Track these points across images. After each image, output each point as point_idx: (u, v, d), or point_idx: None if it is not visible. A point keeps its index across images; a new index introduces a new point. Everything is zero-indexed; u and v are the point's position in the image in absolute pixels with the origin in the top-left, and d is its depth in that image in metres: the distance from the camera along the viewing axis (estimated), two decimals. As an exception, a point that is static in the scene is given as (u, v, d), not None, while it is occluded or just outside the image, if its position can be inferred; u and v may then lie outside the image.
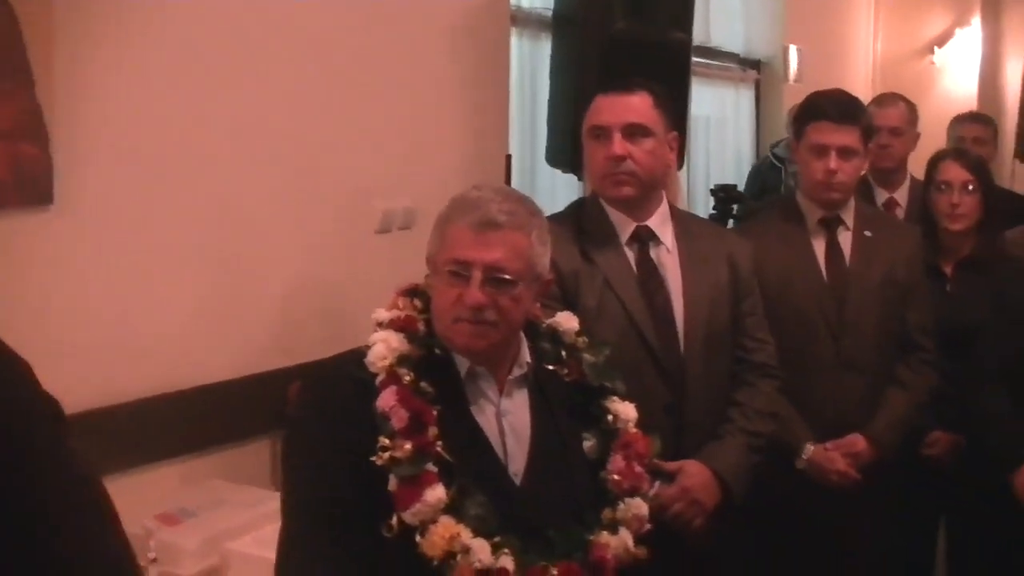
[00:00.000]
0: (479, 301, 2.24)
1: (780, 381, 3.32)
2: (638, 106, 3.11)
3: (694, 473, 3.08)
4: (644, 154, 3.08)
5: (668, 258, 3.18)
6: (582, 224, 3.20)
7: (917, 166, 4.96)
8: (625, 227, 3.17)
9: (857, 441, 3.63)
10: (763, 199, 5.81)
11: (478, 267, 2.25)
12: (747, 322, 3.28)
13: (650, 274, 3.16)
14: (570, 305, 2.97)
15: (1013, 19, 8.99)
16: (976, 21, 8.88)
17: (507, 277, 2.26)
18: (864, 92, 7.49)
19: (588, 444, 2.48)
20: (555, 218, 3.26)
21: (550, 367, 2.50)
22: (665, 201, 3.25)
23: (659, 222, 3.20)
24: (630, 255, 3.16)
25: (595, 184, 3.22)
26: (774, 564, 3.60)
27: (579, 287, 3.08)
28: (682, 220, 3.30)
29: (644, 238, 3.17)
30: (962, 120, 5.90)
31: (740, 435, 3.17)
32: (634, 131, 3.08)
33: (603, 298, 3.08)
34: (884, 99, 5.16)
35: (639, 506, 2.44)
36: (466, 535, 2.13)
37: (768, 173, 5.88)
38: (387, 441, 2.15)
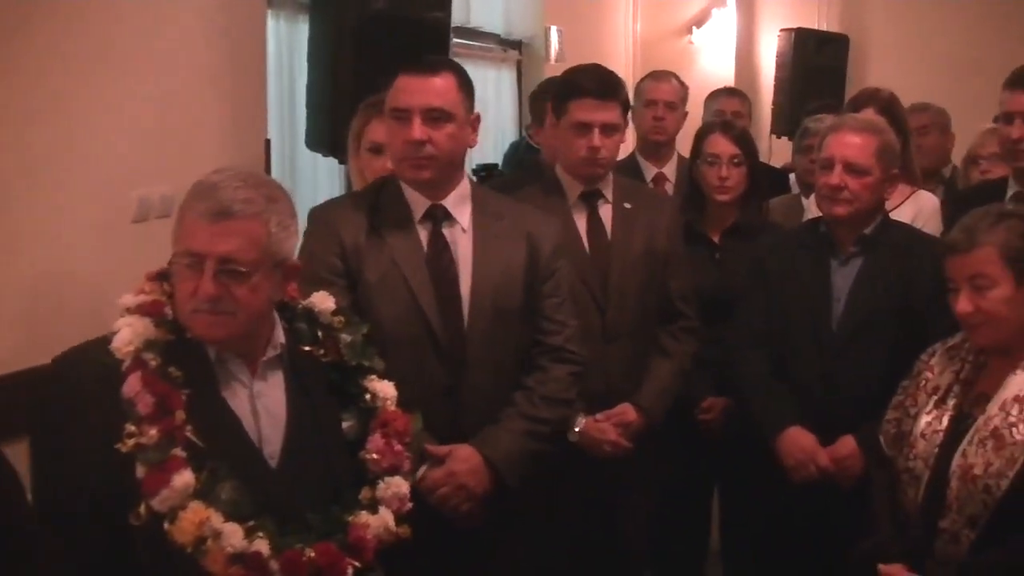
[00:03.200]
0: (210, 294, 2.21)
1: (578, 365, 3.31)
2: (440, 89, 3.07)
3: (463, 458, 3.05)
4: (444, 138, 3.06)
5: (462, 237, 3.17)
6: (377, 202, 3.17)
7: (679, 144, 5.11)
8: (419, 205, 3.15)
9: (627, 411, 3.69)
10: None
11: (211, 259, 2.21)
12: (545, 303, 3.27)
13: (440, 252, 3.14)
14: (354, 280, 2.99)
15: (767, 1, 9.29)
16: (732, 2, 9.12)
17: (241, 269, 2.23)
18: (625, 72, 7.64)
19: (347, 424, 2.48)
20: (353, 195, 3.34)
21: (306, 348, 2.48)
22: (465, 180, 3.24)
23: (456, 201, 3.18)
24: (422, 233, 3.14)
25: (394, 166, 3.18)
26: (552, 539, 3.62)
27: (363, 262, 3.06)
28: (483, 199, 3.28)
29: (438, 217, 3.15)
30: (719, 95, 6.09)
31: (520, 421, 3.15)
32: (435, 115, 3.04)
33: (387, 273, 3.06)
34: (659, 75, 5.32)
35: (399, 485, 2.44)
36: (217, 520, 2.10)
37: (525, 154, 5.95)
38: (132, 428, 2.11)
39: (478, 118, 3.21)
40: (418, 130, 3.03)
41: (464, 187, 3.22)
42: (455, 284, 3.13)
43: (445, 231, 3.16)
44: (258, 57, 4.45)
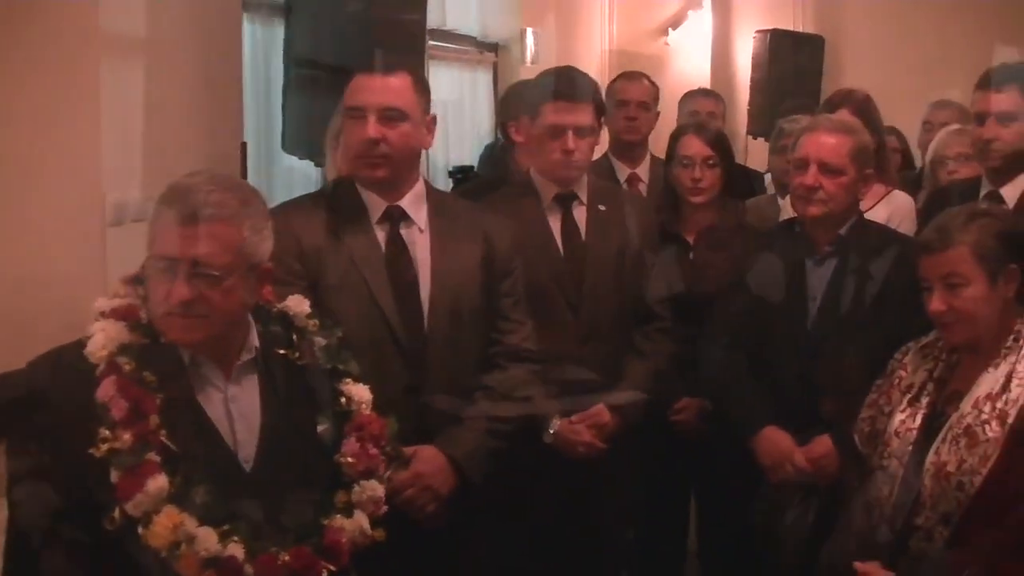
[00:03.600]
0: (184, 298, 2.22)
1: (536, 364, 3.33)
2: (396, 88, 3.09)
3: (428, 459, 3.07)
4: (399, 137, 3.07)
5: (420, 238, 3.18)
6: (334, 203, 3.18)
7: (653, 145, 5.11)
8: (376, 207, 3.16)
9: (601, 412, 3.69)
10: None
11: (184, 262, 2.22)
12: (503, 303, 3.29)
13: (398, 253, 3.15)
14: (313, 282, 2.99)
15: (742, 1, 9.31)
16: (707, 4, 9.13)
17: (214, 273, 2.24)
18: (600, 74, 7.63)
19: (323, 427, 2.48)
20: (308, 197, 3.32)
21: (281, 351, 2.49)
22: (421, 181, 3.25)
23: (412, 202, 3.19)
24: (380, 234, 3.15)
25: (349, 164, 3.20)
26: (524, 538, 3.63)
27: (321, 264, 3.06)
28: (438, 200, 3.30)
29: (396, 218, 3.16)
30: (694, 96, 6.09)
31: (482, 420, 3.17)
32: (390, 114, 3.06)
33: (347, 275, 3.07)
34: (631, 75, 5.32)
35: (374, 488, 2.46)
36: (191, 524, 2.11)
37: (500, 155, 5.94)
38: (107, 432, 2.12)
39: (434, 120, 3.23)
40: (373, 128, 3.05)
41: (420, 188, 3.23)
42: (415, 285, 3.14)
43: (403, 232, 3.17)
44: (234, 60, 4.44)
